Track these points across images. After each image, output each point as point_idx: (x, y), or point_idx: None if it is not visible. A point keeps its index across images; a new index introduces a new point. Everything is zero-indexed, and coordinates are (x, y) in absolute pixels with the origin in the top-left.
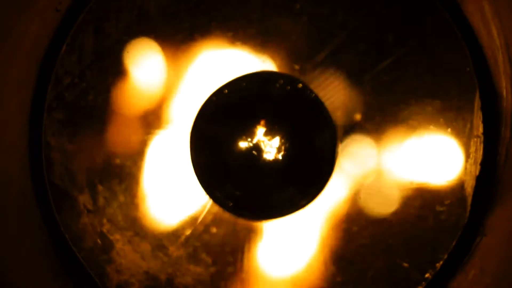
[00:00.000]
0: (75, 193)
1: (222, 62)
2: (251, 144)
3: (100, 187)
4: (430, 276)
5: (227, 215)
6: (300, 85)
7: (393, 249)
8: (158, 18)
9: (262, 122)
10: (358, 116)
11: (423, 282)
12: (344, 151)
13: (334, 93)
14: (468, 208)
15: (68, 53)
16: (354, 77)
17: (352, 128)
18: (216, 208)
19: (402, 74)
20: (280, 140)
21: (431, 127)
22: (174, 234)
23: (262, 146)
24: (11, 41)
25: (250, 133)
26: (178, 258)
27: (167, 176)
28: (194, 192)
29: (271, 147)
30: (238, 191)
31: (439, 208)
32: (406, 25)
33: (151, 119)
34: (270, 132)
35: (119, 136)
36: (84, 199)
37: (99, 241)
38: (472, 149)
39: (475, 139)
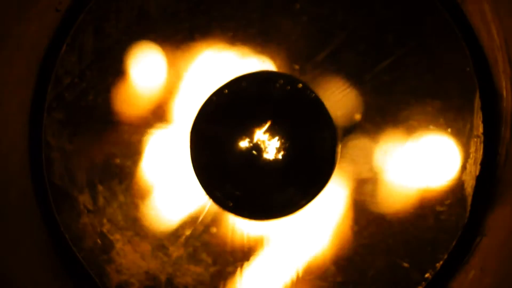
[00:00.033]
0: (75, 193)
1: (222, 62)
2: (251, 144)
3: (100, 187)
4: (430, 276)
5: (227, 215)
6: (300, 85)
7: (393, 249)
8: (158, 18)
9: (262, 122)
10: (358, 116)
11: (423, 282)
12: (344, 151)
13: (334, 93)
14: (468, 208)
15: (68, 53)
16: (354, 77)
17: (352, 128)
18: (216, 208)
19: (402, 74)
20: (280, 140)
21: (431, 127)
22: (174, 234)
23: (262, 146)
24: (11, 41)
25: (250, 133)
26: (178, 258)
27: (167, 176)
28: (194, 192)
29: (271, 147)
30: (238, 191)
31: (439, 208)
32: (406, 25)
33: (151, 119)
34: (270, 132)
35: (119, 136)
36: (84, 199)
37: (99, 241)
38: (472, 149)
39: (475, 139)
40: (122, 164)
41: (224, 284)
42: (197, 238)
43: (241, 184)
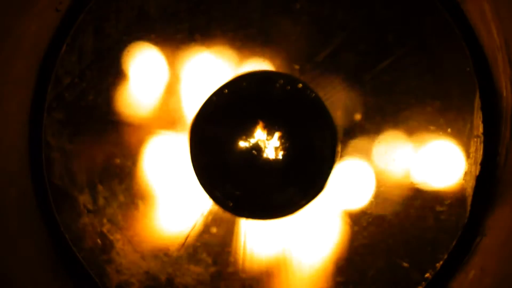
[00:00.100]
0: (75, 193)
1: (222, 62)
2: (251, 144)
3: (100, 187)
4: (430, 276)
5: (227, 215)
6: (300, 85)
7: (393, 249)
8: (158, 18)
9: (262, 122)
10: (358, 116)
11: (423, 282)
12: (344, 151)
13: (334, 93)
14: (468, 208)
15: (68, 53)
16: (354, 77)
17: (352, 128)
18: (216, 208)
19: (402, 74)
20: (280, 140)
21: (431, 127)
22: (174, 234)
23: (262, 146)
24: (11, 41)
25: (250, 133)
26: (178, 258)
27: (167, 176)
28: (194, 192)
29: (271, 147)
30: (238, 191)
31: (439, 208)
32: (406, 25)
33: (151, 119)
34: (270, 132)
35: (119, 136)
36: (84, 199)
37: (99, 241)
38: (472, 149)
39: (475, 139)
40: (122, 164)
41: (224, 284)
42: (197, 238)
43: (241, 184)
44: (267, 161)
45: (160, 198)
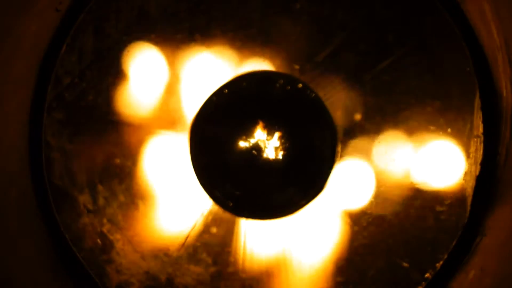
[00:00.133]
0: (75, 193)
1: (222, 62)
2: (251, 144)
3: (100, 187)
4: (430, 276)
5: (227, 215)
6: (300, 85)
7: (393, 249)
8: (158, 18)
9: (262, 122)
10: (358, 116)
11: (423, 282)
12: (344, 151)
13: (334, 93)
14: (468, 208)
15: (68, 53)
16: (354, 77)
17: (352, 128)
18: (216, 208)
19: (402, 74)
20: (280, 140)
21: (431, 127)
22: (174, 234)
23: (262, 146)
24: (11, 41)
25: (250, 133)
26: (178, 258)
27: (167, 176)
28: (194, 192)
29: (271, 147)
30: (238, 191)
31: (439, 208)
32: (406, 25)
33: (151, 119)
34: (270, 132)
35: (119, 136)
36: (84, 199)
37: (99, 241)
38: (472, 149)
39: (475, 139)
40: (122, 164)
41: (224, 284)
42: (197, 238)
43: (241, 184)
44: (267, 161)
45: (160, 198)
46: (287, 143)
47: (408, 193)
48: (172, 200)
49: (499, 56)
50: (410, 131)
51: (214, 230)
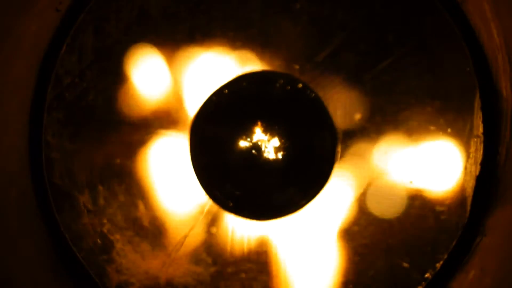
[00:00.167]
0: (75, 193)
1: (222, 62)
2: (251, 144)
3: (100, 187)
4: (430, 276)
5: (227, 215)
6: (300, 85)
7: (393, 249)
8: (158, 18)
9: (262, 121)
10: (358, 116)
11: (423, 282)
12: (344, 151)
13: (334, 93)
14: (468, 208)
15: (68, 53)
16: (354, 77)
17: (352, 128)
18: (216, 208)
19: (402, 74)
20: (280, 140)
21: (431, 127)
22: (174, 234)
23: (262, 146)
24: (11, 41)
25: (250, 133)
26: (178, 258)
27: (167, 176)
28: (194, 192)
29: (271, 147)
30: (238, 191)
31: (439, 208)
32: (406, 25)
33: (151, 119)
34: (270, 132)
35: (119, 136)
36: (84, 199)
37: (99, 241)
38: (472, 149)
39: (475, 139)
40: (122, 164)
41: (224, 284)
42: (197, 238)
43: (241, 184)
44: (267, 161)
45: (160, 198)
46: (287, 143)
47: (408, 193)
48: (172, 200)
49: (499, 56)
50: (410, 131)
51: (214, 230)
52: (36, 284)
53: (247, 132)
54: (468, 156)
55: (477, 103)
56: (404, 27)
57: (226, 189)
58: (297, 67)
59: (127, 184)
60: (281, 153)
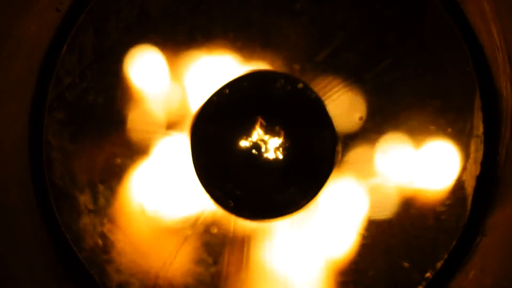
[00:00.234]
0: (75, 193)
1: (223, 62)
2: (251, 144)
3: (100, 187)
4: (430, 276)
5: (227, 215)
6: (301, 85)
7: (393, 249)
8: (158, 18)
9: (263, 121)
10: (358, 116)
11: (423, 282)
12: (344, 151)
13: (334, 93)
14: (468, 208)
15: (69, 53)
16: (354, 77)
17: (352, 128)
18: (217, 208)
19: (402, 74)
20: (281, 140)
21: (431, 127)
22: (175, 234)
23: (262, 146)
24: (11, 41)
25: (251, 133)
26: (178, 258)
27: (168, 175)
28: (194, 192)
29: (271, 147)
30: (239, 190)
31: (439, 208)
32: (406, 25)
33: (152, 119)
34: (270, 132)
35: (120, 135)
36: (84, 199)
37: (99, 241)
38: (472, 149)
39: (475, 139)
40: (122, 164)
41: (224, 284)
42: (198, 238)
43: (242, 183)
44: (268, 160)
45: (160, 197)
46: (287, 143)
47: (408, 193)
48: (173, 199)
49: (499, 56)
50: (410, 131)
51: (214, 230)
52: (36, 284)
53: (248, 132)
54: (468, 156)
55: (477, 103)
56: (404, 27)
57: (226, 189)
58: (297, 67)
59: (128, 184)
60: (282, 153)
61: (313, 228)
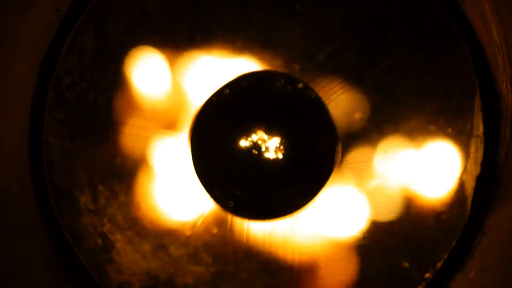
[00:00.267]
0: (75, 193)
1: (223, 62)
2: (251, 144)
3: (100, 187)
4: (430, 276)
5: (228, 215)
6: (301, 84)
7: (393, 249)
8: (159, 18)
9: (263, 121)
10: (358, 116)
11: (423, 282)
12: (344, 151)
13: (334, 93)
14: (468, 208)
15: (69, 53)
16: (354, 77)
17: (352, 128)
18: (217, 208)
19: (402, 74)
20: (281, 140)
21: (431, 127)
22: (175, 234)
23: (263, 146)
24: (12, 41)
25: (251, 133)
26: (179, 258)
27: (168, 175)
28: (195, 192)
29: (271, 147)
30: (239, 190)
31: (439, 208)
32: (406, 25)
33: (151, 119)
34: (270, 132)
35: (120, 136)
36: (84, 199)
37: (99, 241)
38: (472, 149)
39: (475, 139)
40: (122, 164)
41: (224, 284)
42: (198, 238)
43: (242, 183)
44: (268, 160)
45: (160, 197)
46: (288, 143)
47: (408, 193)
48: (173, 199)
49: (499, 56)
50: (410, 131)
51: (214, 230)
52: (36, 284)
53: (248, 132)
54: (468, 156)
55: (477, 103)
56: (404, 27)
57: (226, 189)
58: (297, 67)
59: (128, 184)
60: (282, 152)
61: (313, 228)
